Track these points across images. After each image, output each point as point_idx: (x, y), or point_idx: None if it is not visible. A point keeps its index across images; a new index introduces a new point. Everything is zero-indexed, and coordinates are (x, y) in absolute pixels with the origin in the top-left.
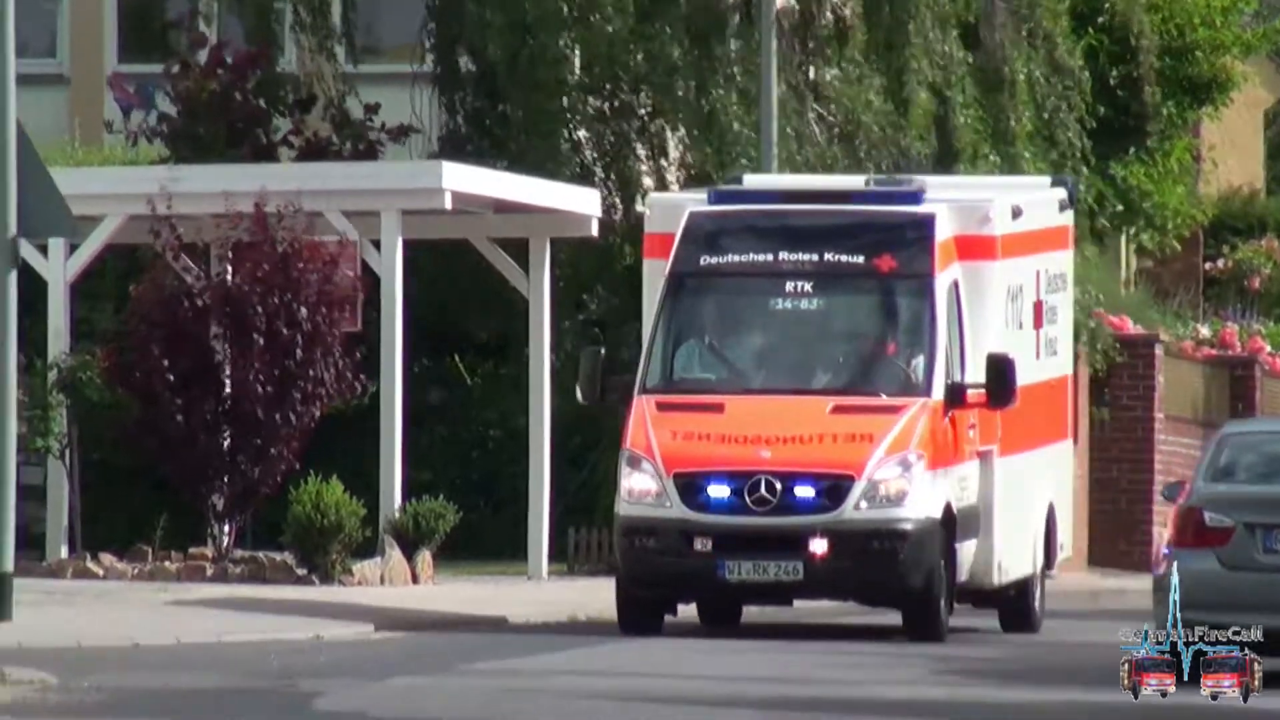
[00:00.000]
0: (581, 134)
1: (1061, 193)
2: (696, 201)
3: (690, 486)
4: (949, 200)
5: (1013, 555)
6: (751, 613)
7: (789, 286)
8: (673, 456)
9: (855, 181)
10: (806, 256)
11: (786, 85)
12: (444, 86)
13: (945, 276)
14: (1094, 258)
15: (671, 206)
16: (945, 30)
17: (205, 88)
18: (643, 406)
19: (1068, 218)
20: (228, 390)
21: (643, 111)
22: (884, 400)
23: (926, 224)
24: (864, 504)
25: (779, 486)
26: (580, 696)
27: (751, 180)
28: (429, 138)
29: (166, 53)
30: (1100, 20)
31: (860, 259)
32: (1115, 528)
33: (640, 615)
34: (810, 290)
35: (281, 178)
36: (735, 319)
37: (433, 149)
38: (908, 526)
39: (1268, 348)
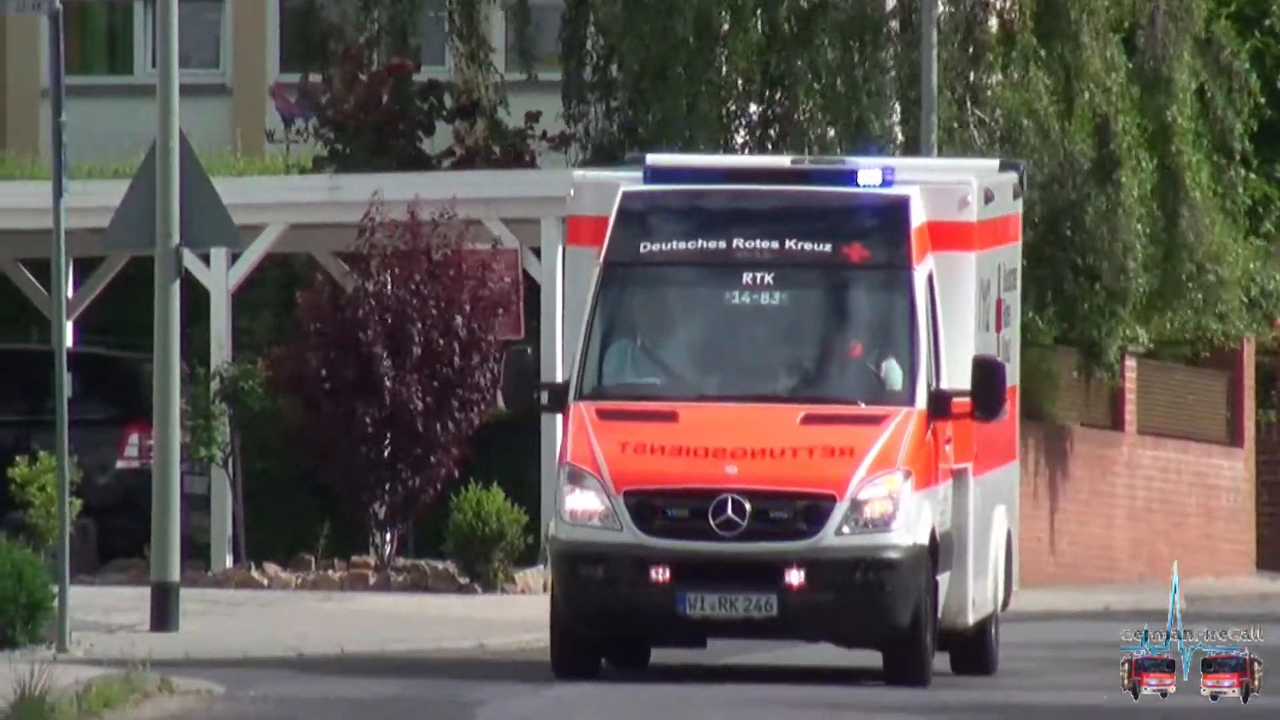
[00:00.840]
0: (739, 139)
1: (1014, 177)
2: (630, 180)
3: (644, 507)
4: (922, 181)
5: (983, 590)
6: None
7: (745, 278)
8: (622, 472)
9: (782, 161)
10: (764, 244)
11: (947, 90)
12: (596, 93)
13: (923, 269)
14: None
15: (600, 186)
16: (1106, 35)
17: (354, 97)
18: (582, 415)
19: (1019, 206)
20: (388, 399)
21: (803, 117)
22: (863, 409)
23: (900, 208)
24: (846, 528)
25: (748, 507)
26: (747, 704)
27: (656, 160)
28: (584, 145)
29: (326, 63)
30: (1267, 23)
31: (827, 247)
32: None
33: (576, 656)
34: (770, 282)
35: (439, 186)
36: (683, 315)
37: (585, 156)
38: (895, 555)
39: None
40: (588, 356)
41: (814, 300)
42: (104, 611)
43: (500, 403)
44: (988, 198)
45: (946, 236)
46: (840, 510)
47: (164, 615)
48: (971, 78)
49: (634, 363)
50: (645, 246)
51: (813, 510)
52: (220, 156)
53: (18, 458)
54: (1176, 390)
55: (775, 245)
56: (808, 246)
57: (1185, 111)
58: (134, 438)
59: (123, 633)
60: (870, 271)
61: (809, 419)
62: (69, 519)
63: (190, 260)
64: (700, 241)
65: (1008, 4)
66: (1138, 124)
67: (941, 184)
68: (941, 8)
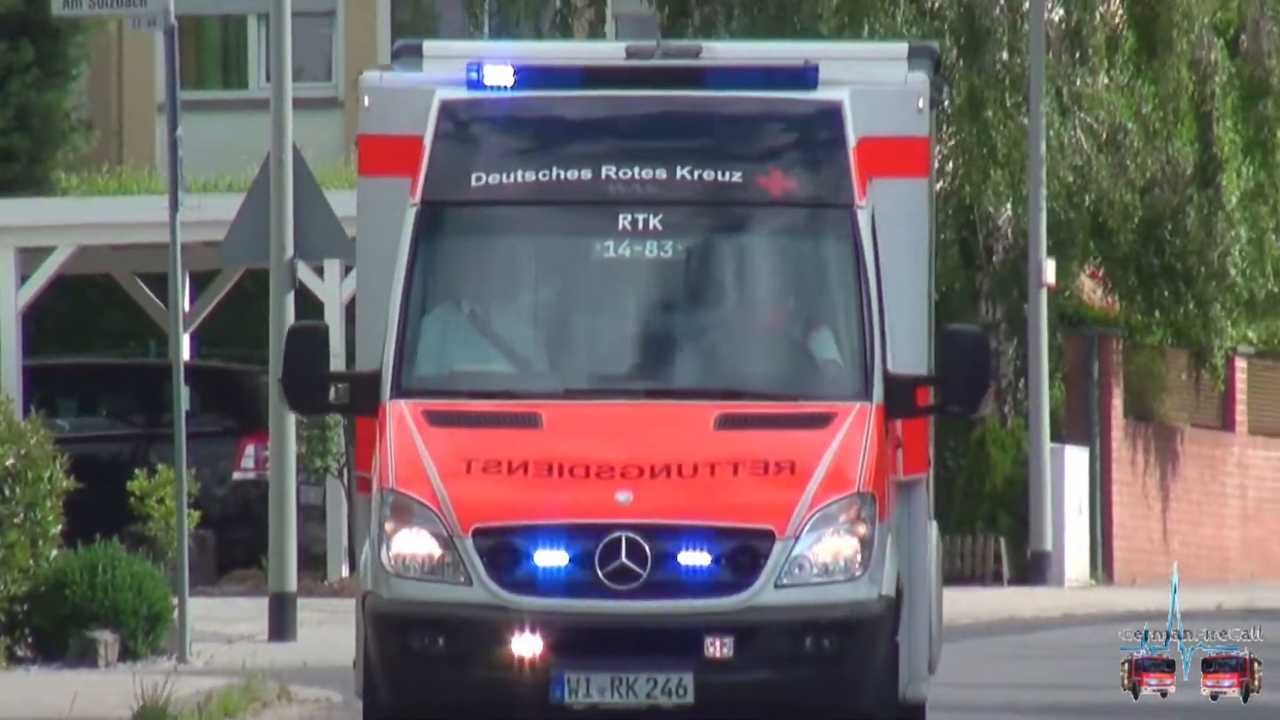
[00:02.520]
0: None
1: (928, 68)
2: (451, 84)
3: (503, 551)
4: (852, 82)
5: (936, 647)
6: None
7: (622, 222)
8: (470, 501)
9: (615, 50)
10: (648, 173)
11: (1053, 94)
12: None
13: (867, 205)
14: None
15: (406, 94)
16: (1209, 39)
17: None
18: (403, 418)
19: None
20: None
21: None
22: (801, 406)
23: (833, 118)
24: (788, 578)
25: (650, 551)
26: None
27: (436, 48)
28: None
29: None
30: None
31: (735, 176)
32: None
33: None
34: (657, 228)
35: None
36: (537, 275)
37: None
38: (859, 614)
39: None
40: (406, 336)
41: (720, 252)
42: (223, 622)
43: (287, 400)
44: (934, 101)
45: (891, 157)
46: (781, 552)
47: (282, 625)
48: (1077, 82)
49: (472, 344)
50: (479, 178)
51: (743, 553)
52: (333, 169)
53: (136, 470)
54: None
55: (662, 174)
56: (708, 176)
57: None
58: (250, 449)
59: (242, 643)
60: (798, 210)
61: (727, 421)
62: (188, 531)
63: (304, 272)
64: (557, 170)
65: (1112, 8)
66: (1239, 129)
67: (882, 83)
68: (1049, 14)
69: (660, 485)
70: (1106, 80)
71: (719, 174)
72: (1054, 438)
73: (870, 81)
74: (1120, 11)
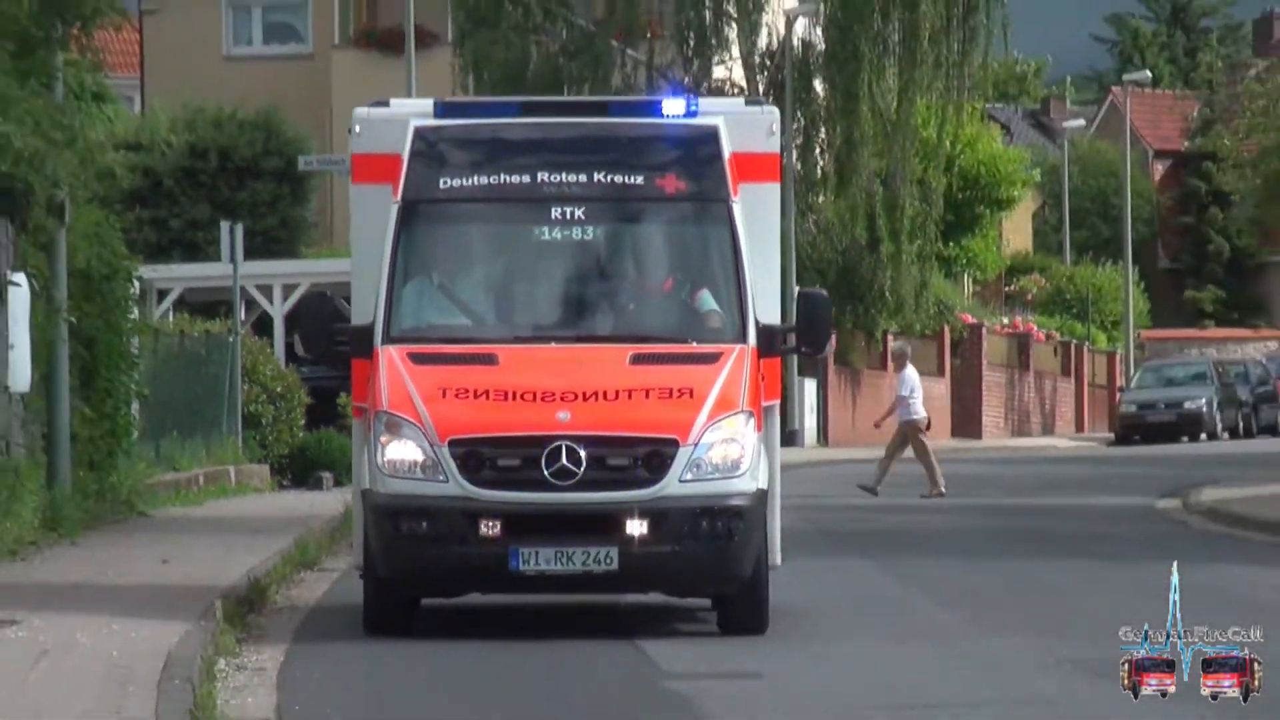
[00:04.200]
0: None
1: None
2: (420, 114)
3: (471, 456)
4: (724, 111)
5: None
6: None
7: (554, 213)
8: (446, 419)
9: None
10: (572, 177)
11: (796, 208)
12: None
13: (738, 201)
14: (950, 286)
15: (388, 122)
16: (872, 178)
17: None
18: (392, 358)
19: (775, 145)
20: None
21: None
22: (695, 348)
23: (712, 138)
24: (690, 475)
25: (584, 455)
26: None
27: (399, 103)
28: None
29: None
30: (956, 168)
31: (639, 179)
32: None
33: (392, 612)
34: (582, 217)
35: None
36: (492, 252)
37: None
38: (743, 502)
39: (1035, 329)
40: (393, 298)
41: (628, 235)
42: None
43: (299, 348)
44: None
45: (753, 167)
46: (684, 456)
47: None
48: (808, 200)
49: (443, 304)
50: (445, 182)
51: (654, 456)
52: None
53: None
54: (916, 350)
55: (583, 178)
56: (618, 179)
57: (905, 221)
58: None
59: None
60: (688, 204)
61: (639, 359)
62: None
63: (256, 294)
64: (504, 176)
65: (824, 161)
66: (887, 224)
67: (745, 113)
68: (794, 161)
69: (591, 406)
70: (824, 198)
71: (627, 178)
72: (800, 374)
73: (736, 112)
74: (829, 161)
